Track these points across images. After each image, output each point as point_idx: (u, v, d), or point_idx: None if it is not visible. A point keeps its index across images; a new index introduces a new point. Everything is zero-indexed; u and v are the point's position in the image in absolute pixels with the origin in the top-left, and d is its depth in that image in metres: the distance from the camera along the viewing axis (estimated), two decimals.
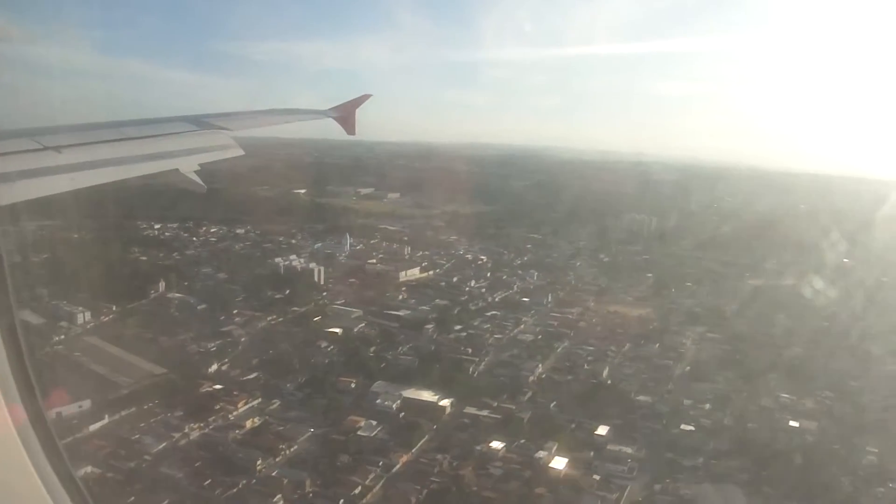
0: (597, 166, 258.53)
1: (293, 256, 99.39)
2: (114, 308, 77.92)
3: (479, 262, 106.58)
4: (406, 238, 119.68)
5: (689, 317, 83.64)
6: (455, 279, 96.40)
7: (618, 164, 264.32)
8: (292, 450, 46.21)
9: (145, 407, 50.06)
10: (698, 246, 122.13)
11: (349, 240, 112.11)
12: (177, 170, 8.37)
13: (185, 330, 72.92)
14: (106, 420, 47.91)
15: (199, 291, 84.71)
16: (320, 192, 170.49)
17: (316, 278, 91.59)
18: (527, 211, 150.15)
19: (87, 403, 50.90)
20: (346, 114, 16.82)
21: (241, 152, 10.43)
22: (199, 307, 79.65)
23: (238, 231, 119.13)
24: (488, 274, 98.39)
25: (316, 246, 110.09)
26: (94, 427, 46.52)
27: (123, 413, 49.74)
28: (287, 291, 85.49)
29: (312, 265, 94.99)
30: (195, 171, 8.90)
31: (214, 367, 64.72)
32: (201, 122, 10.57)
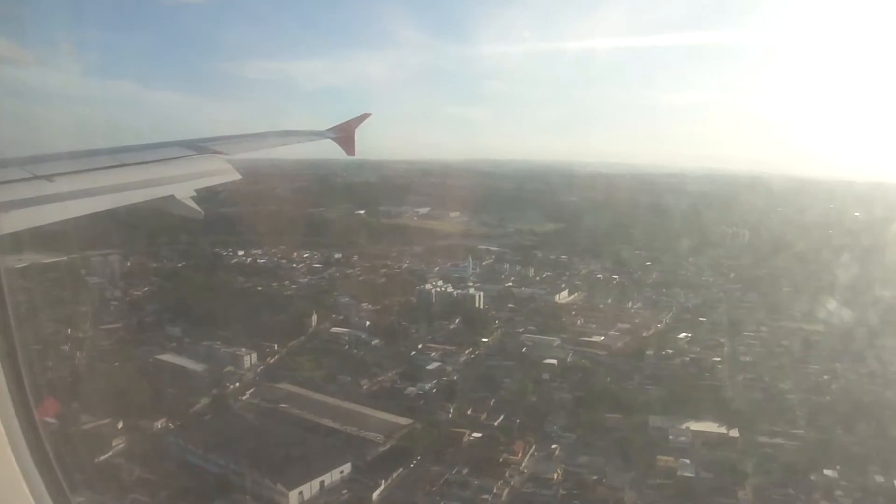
0: (632, 179, 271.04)
1: (439, 282, 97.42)
2: (276, 347, 73.46)
3: (616, 282, 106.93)
4: (521, 259, 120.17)
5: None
6: (609, 300, 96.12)
7: (652, 177, 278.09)
8: None
9: (413, 465, 47.37)
10: (813, 258, 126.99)
11: (471, 262, 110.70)
12: (172, 196, 8.69)
13: (380, 369, 69.46)
14: (383, 486, 44.75)
15: (359, 324, 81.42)
16: (377, 213, 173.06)
17: (477, 304, 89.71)
18: (602, 228, 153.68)
19: (347, 468, 47.47)
20: (345, 134, 17.36)
21: (237, 176, 10.75)
22: (373, 342, 76.19)
23: (336, 255, 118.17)
24: (646, 295, 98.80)
25: (445, 269, 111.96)
26: (376, 495, 43.50)
27: (396, 475, 46.73)
28: (457, 320, 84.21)
29: (470, 291, 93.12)
30: (192, 197, 9.27)
31: (451, 410, 61.41)
32: (197, 147, 10.93)
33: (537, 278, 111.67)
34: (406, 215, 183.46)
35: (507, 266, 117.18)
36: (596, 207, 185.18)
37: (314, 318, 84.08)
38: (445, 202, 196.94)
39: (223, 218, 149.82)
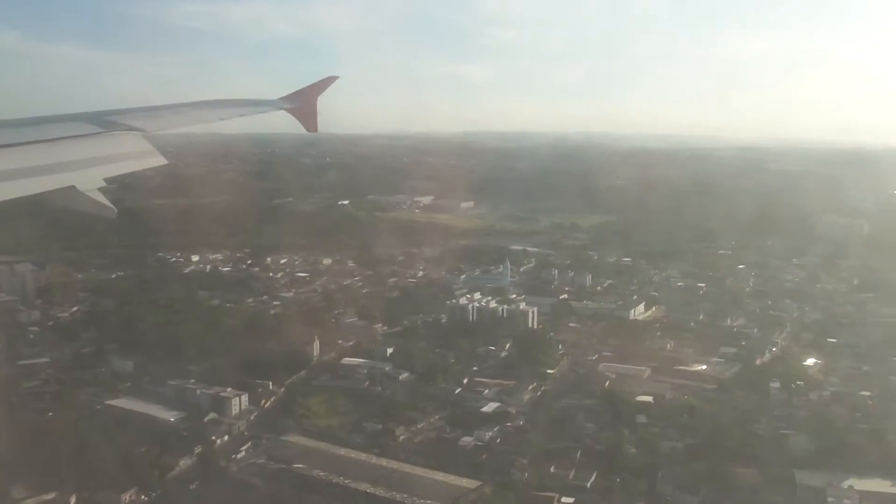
0: (691, 156, 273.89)
1: (476, 295, 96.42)
2: (271, 385, 71.60)
3: (704, 292, 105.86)
4: (572, 262, 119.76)
5: None
6: (700, 316, 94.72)
7: (718, 152, 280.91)
8: None
9: None
10: None
11: (508, 268, 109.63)
12: (73, 187, 8.59)
13: (419, 413, 67.44)
14: None
15: (377, 352, 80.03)
16: (366, 204, 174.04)
17: (530, 323, 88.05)
18: (668, 220, 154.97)
19: None
20: (304, 104, 17.27)
21: (161, 160, 10.60)
22: (400, 376, 74.19)
23: (324, 261, 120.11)
24: (748, 309, 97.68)
25: (474, 277, 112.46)
26: None
27: None
28: (508, 345, 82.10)
29: (521, 306, 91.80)
30: (100, 188, 9.10)
31: (527, 466, 59.08)
32: (107, 122, 10.79)
33: (598, 288, 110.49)
34: (404, 206, 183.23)
35: (554, 272, 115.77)
36: (653, 193, 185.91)
37: (316, 344, 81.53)
38: (452, 188, 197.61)
39: (157, 213, 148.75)
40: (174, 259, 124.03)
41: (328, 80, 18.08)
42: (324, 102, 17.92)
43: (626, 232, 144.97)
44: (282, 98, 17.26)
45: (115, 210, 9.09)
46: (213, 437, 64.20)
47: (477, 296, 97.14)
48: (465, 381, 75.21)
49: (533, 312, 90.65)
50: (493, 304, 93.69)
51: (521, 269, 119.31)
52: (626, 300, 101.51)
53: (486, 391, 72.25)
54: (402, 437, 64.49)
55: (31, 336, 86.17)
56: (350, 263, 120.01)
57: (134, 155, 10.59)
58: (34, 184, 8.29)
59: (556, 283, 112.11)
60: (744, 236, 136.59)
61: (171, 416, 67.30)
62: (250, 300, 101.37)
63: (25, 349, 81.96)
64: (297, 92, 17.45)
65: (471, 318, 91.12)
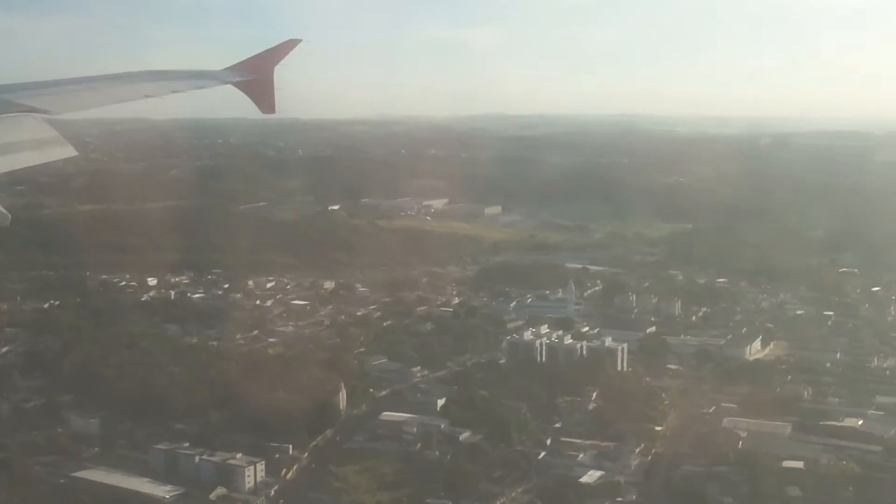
0: (769, 142, 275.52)
1: (543, 328, 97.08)
2: (291, 449, 71.38)
3: (834, 322, 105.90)
4: (651, 285, 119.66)
5: None
6: (837, 354, 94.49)
7: (800, 138, 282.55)
8: None
9: None
10: None
11: (573, 293, 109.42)
12: None
13: (496, 484, 66.94)
14: None
15: (425, 405, 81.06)
16: (361, 209, 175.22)
17: (619, 365, 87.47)
18: (760, 228, 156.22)
19: None
20: (258, 76, 17.03)
21: (69, 151, 10.68)
22: (462, 437, 73.80)
23: (325, 284, 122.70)
24: (888, 342, 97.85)
25: (525, 303, 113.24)
26: None
27: None
28: (594, 395, 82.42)
29: (606, 343, 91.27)
30: None
31: None
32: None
33: (693, 318, 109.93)
34: (410, 212, 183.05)
35: (632, 298, 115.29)
36: (734, 193, 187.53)
37: (342, 394, 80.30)
38: (470, 189, 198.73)
39: (88, 222, 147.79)
40: (123, 283, 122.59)
41: (288, 45, 17.78)
42: (284, 77, 17.66)
43: (711, 244, 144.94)
44: (229, 68, 16.85)
45: (9, 216, 8.86)
46: None
47: (543, 329, 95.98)
48: (549, 441, 74.14)
49: (622, 351, 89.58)
50: (567, 341, 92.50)
51: (586, 294, 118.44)
52: (734, 334, 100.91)
53: (581, 455, 71.30)
54: None
55: None
56: (360, 287, 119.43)
57: (33, 144, 10.32)
58: None
59: (636, 311, 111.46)
60: (868, 249, 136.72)
61: (164, 492, 65.63)
62: (238, 336, 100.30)
63: None
64: (248, 60, 17.09)
65: (538, 357, 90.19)
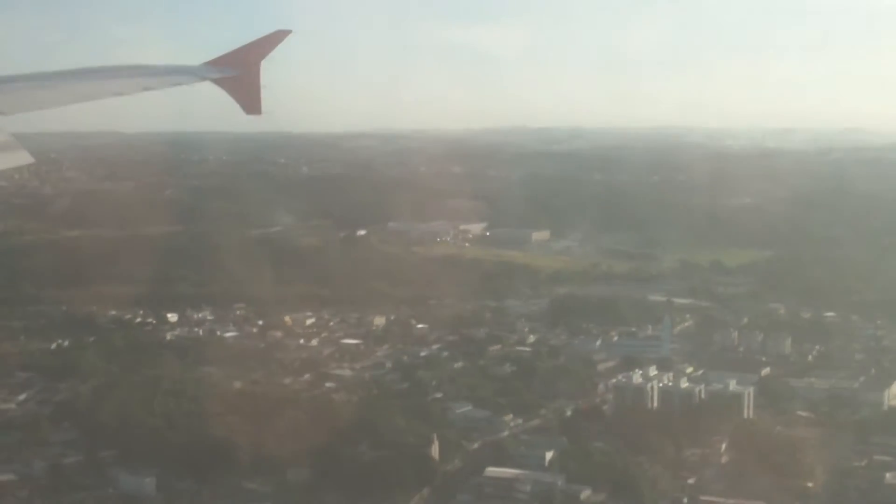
0: (835, 157, 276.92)
1: (652, 371, 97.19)
2: None
3: None
4: (751, 320, 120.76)
5: None
6: None
7: (881, 154, 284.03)
8: None
9: None
10: None
11: (669, 328, 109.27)
12: None
13: None
14: None
15: (531, 458, 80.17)
16: (388, 235, 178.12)
17: (745, 412, 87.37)
18: (856, 253, 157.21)
19: None
20: (242, 71, 16.95)
21: (27, 158, 10.90)
22: (582, 495, 73.96)
23: (375, 320, 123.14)
24: None
25: (616, 343, 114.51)
26: None
27: None
28: (724, 446, 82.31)
29: (730, 387, 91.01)
30: None
31: None
32: None
33: (809, 357, 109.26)
34: (446, 238, 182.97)
35: (733, 334, 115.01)
36: (811, 215, 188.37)
37: (434, 448, 79.35)
38: (509, 212, 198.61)
39: (80, 249, 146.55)
40: (139, 319, 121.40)
41: (276, 37, 17.56)
42: (272, 77, 17.54)
43: (804, 274, 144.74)
44: (209, 63, 16.72)
45: None
46: None
47: (652, 371, 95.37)
48: (686, 500, 72.92)
49: (748, 395, 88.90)
50: (684, 384, 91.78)
51: (677, 330, 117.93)
52: (866, 376, 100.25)
53: None
54: None
55: None
56: (417, 324, 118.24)
57: None
58: None
59: (740, 350, 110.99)
60: None
61: None
62: (288, 381, 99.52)
63: None
64: (231, 53, 17.02)
65: (649, 403, 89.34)
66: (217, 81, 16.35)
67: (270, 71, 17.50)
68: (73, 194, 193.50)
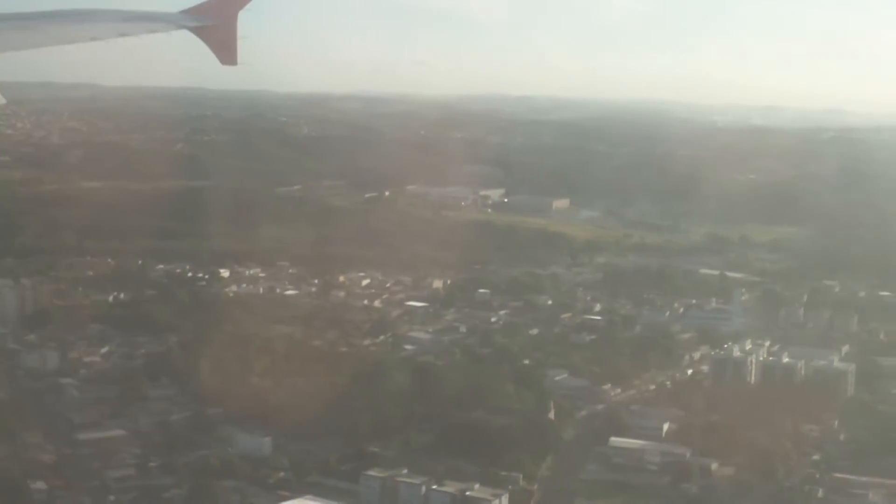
0: (827, 137, 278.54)
1: (747, 344, 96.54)
2: (521, 481, 69.33)
3: None
4: (810, 297, 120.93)
5: None
6: None
7: (868, 135, 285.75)
8: None
9: None
10: None
11: (740, 302, 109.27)
12: None
13: None
14: None
15: (653, 432, 78.88)
16: (414, 199, 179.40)
17: (849, 389, 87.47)
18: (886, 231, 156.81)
19: None
20: (218, 20, 16.98)
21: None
22: (712, 467, 72.12)
23: (434, 284, 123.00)
24: None
25: (691, 315, 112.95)
26: None
27: None
28: (837, 423, 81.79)
29: (833, 363, 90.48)
30: None
31: None
32: None
33: (881, 336, 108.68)
34: (465, 203, 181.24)
35: (800, 311, 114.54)
36: (825, 191, 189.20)
37: (551, 415, 78.04)
38: (523, 179, 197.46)
39: (105, 201, 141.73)
40: (190, 273, 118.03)
41: None
42: (249, 31, 17.47)
43: (842, 251, 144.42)
44: (185, 11, 16.74)
45: None
46: None
47: (748, 346, 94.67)
48: (817, 475, 72.23)
49: (851, 372, 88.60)
50: (785, 360, 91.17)
51: (731, 304, 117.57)
52: None
53: (869, 493, 69.28)
54: None
55: (68, 394, 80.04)
56: (480, 289, 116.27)
57: None
58: None
59: (809, 325, 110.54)
60: None
61: None
62: (368, 342, 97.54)
63: (74, 415, 76.16)
64: (209, 2, 16.90)
65: (749, 377, 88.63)
66: (194, 30, 16.32)
67: (247, 23, 17.40)
68: (83, 145, 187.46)
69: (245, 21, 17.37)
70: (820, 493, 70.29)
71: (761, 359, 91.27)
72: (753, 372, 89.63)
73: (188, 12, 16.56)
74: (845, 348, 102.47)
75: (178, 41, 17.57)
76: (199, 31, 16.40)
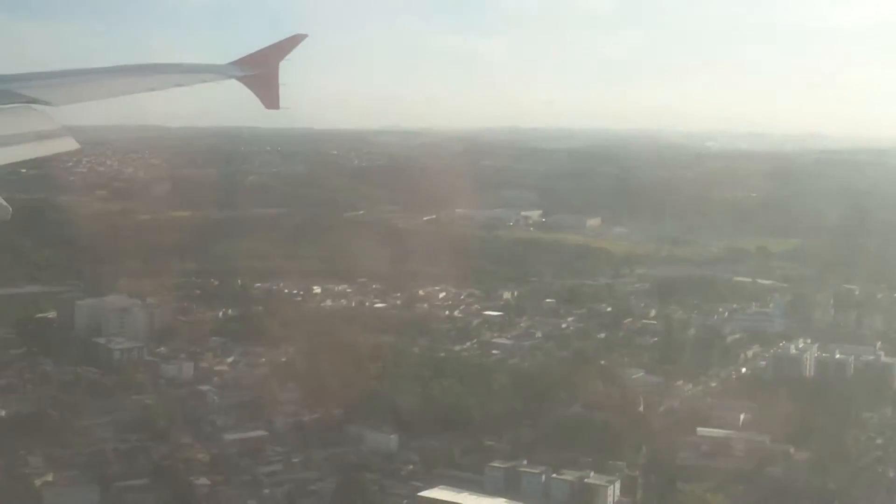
0: (810, 160, 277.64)
1: (800, 343, 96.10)
2: (625, 469, 68.27)
3: None
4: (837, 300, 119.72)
5: None
6: None
7: (846, 157, 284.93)
8: None
9: None
10: None
11: (780, 306, 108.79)
12: None
13: None
14: None
15: (732, 422, 77.58)
16: (469, 222, 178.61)
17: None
18: (881, 238, 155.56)
19: None
20: (263, 70, 17.50)
21: (73, 144, 11.06)
22: (796, 455, 70.87)
23: (504, 296, 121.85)
24: None
25: (739, 319, 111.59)
26: None
27: None
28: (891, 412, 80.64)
29: (881, 358, 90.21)
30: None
31: None
32: None
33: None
34: (511, 223, 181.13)
35: (830, 312, 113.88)
36: (820, 207, 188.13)
37: (641, 409, 77.37)
38: (557, 201, 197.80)
39: (191, 226, 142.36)
40: (286, 290, 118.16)
41: (293, 40, 17.74)
42: (289, 77, 17.63)
43: (851, 258, 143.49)
44: (233, 63, 17.03)
45: (10, 209, 8.99)
46: None
47: (800, 344, 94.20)
48: (883, 455, 71.76)
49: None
50: (837, 356, 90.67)
51: (770, 307, 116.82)
52: None
53: None
54: None
55: (208, 399, 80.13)
56: (546, 299, 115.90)
57: (36, 135, 10.31)
58: None
59: (841, 325, 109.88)
60: None
61: None
62: (456, 347, 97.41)
63: (216, 418, 76.23)
64: (252, 55, 17.37)
65: (806, 372, 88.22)
66: (240, 79, 16.71)
67: (288, 71, 17.72)
68: (167, 179, 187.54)
69: (284, 67, 17.66)
70: (891, 473, 69.97)
71: (815, 355, 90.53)
72: (809, 367, 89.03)
73: (236, 63, 16.91)
74: (879, 344, 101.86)
75: (229, 88, 17.31)
76: (245, 80, 16.74)
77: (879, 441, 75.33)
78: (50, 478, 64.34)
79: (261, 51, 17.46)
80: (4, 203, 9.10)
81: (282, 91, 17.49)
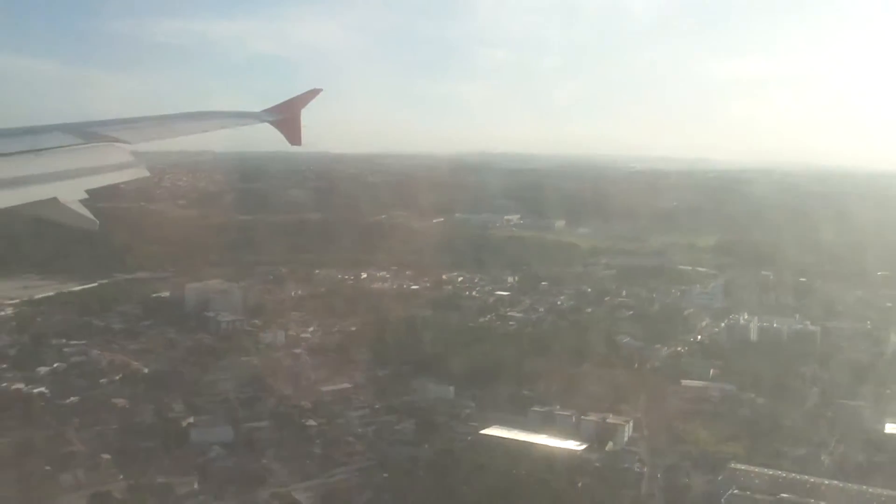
0: (710, 176, 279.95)
1: (745, 315, 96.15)
2: (640, 411, 67.77)
3: None
4: (760, 283, 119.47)
5: None
6: None
7: (730, 175, 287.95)
8: None
9: None
10: None
11: (720, 286, 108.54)
12: (55, 199, 8.87)
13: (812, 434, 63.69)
14: None
15: (703, 374, 76.66)
16: (467, 223, 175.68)
17: (817, 343, 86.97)
18: (787, 239, 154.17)
19: None
20: (288, 116, 17.78)
21: (145, 172, 11.37)
22: (756, 399, 70.49)
23: (508, 280, 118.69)
24: None
25: (693, 296, 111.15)
26: None
27: None
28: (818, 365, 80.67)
29: (808, 326, 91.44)
30: (81, 200, 9.48)
31: None
32: (87, 133, 11.24)
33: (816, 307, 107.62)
34: (497, 224, 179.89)
35: (757, 292, 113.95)
36: (731, 211, 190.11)
37: (636, 363, 77.09)
38: (526, 207, 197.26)
39: (260, 229, 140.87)
40: (339, 276, 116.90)
41: (312, 93, 18.26)
42: (308, 118, 18.09)
43: (762, 251, 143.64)
44: (265, 110, 17.48)
45: (97, 222, 8.68)
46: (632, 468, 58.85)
47: (745, 315, 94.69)
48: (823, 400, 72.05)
49: (818, 333, 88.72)
50: (774, 325, 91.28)
51: (710, 288, 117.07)
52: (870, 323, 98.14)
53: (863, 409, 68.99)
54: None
55: (302, 360, 78.63)
56: (541, 282, 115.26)
57: (116, 167, 10.50)
58: (16, 196, 8.19)
59: (765, 302, 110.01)
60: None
61: (574, 446, 61.37)
62: (481, 319, 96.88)
63: (311, 374, 74.83)
64: (280, 104, 17.75)
65: (752, 337, 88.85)
66: (271, 122, 17.11)
67: (310, 109, 18.33)
68: (229, 191, 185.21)
69: (304, 112, 17.96)
70: (828, 413, 70.38)
71: (757, 325, 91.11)
72: (754, 333, 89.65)
73: (268, 111, 17.15)
74: (797, 316, 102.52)
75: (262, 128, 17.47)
76: (274, 123, 16.97)
77: (815, 389, 75.77)
78: (192, 420, 63.00)
79: (286, 101, 17.59)
80: (92, 217, 8.78)
81: (303, 131, 17.71)
